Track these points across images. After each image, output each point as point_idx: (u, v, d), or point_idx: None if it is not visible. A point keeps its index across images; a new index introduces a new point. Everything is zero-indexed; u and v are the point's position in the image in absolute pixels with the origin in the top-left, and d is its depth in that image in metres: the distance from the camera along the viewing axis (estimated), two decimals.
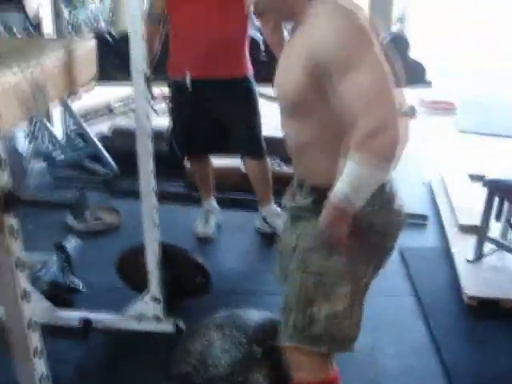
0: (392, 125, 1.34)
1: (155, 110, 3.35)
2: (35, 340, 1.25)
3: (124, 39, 3.88)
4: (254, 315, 2.02)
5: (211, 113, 3.15)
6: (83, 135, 4.39)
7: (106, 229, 3.53)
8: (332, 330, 1.59)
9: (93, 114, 5.72)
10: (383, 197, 1.56)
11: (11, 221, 1.13)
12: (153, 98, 3.31)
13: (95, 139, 4.25)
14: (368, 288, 1.68)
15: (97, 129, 5.22)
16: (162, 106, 3.51)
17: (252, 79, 3.18)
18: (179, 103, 3.20)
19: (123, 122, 5.79)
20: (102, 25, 8.05)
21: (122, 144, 4.36)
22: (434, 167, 4.56)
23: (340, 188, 1.40)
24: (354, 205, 1.42)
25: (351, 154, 1.37)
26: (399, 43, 3.98)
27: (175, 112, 3.27)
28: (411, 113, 6.09)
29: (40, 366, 1.29)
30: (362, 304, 1.67)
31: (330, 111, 1.46)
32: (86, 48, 1.99)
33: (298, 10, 1.51)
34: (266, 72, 2.93)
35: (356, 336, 1.66)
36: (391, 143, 1.35)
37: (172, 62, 3.12)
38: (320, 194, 1.51)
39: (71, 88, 1.87)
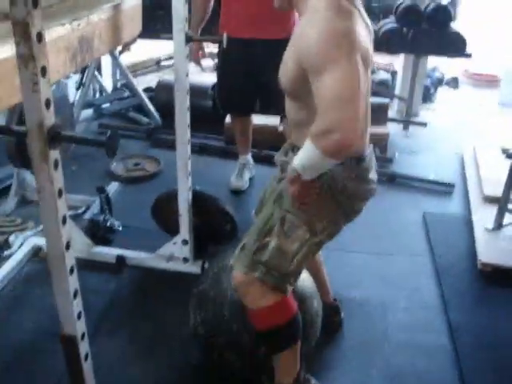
0: (343, 130, 1.49)
1: (201, 67, 3.53)
2: (71, 260, 1.46)
3: None
4: None
5: (257, 73, 3.25)
6: (130, 87, 4.60)
7: (145, 176, 3.75)
8: (272, 262, 1.78)
9: (141, 68, 5.90)
10: (360, 167, 1.78)
11: (55, 154, 1.32)
12: (203, 55, 3.49)
13: (141, 91, 4.44)
14: (320, 247, 1.88)
15: (144, 82, 5.43)
16: (210, 63, 3.65)
17: None
18: (227, 62, 3.32)
19: (169, 76, 5.98)
20: None
21: (165, 97, 4.56)
22: (470, 138, 4.61)
23: (299, 158, 1.63)
24: (306, 174, 1.64)
25: (308, 139, 1.58)
26: (441, 14, 4.00)
27: (222, 70, 3.41)
28: (453, 84, 6.12)
29: (74, 283, 1.50)
30: (310, 256, 1.86)
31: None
32: (132, 4, 2.14)
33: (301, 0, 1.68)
34: None
35: (290, 278, 1.83)
36: (337, 145, 1.51)
37: (222, 21, 3.23)
38: None
39: (117, 42, 2.04)
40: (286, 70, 1.73)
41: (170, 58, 6.20)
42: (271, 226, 1.80)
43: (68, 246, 1.43)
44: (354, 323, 2.53)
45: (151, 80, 5.68)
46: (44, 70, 1.23)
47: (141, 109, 4.63)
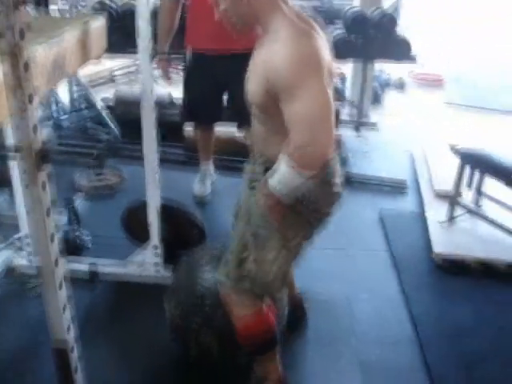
0: (316, 144, 1.64)
1: (170, 80, 3.63)
2: (60, 274, 1.53)
3: (127, 13, 4.12)
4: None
5: (222, 84, 3.36)
6: (88, 101, 4.62)
7: (108, 186, 3.80)
8: (254, 273, 1.90)
9: (95, 79, 5.91)
10: (324, 172, 1.86)
11: (43, 175, 1.40)
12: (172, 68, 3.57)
13: (99, 105, 4.47)
14: (299, 249, 1.97)
15: (98, 96, 5.44)
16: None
17: None
18: (192, 74, 3.41)
19: (124, 89, 6.02)
20: None
21: (123, 110, 4.62)
22: (418, 137, 4.83)
23: (275, 178, 1.73)
24: (283, 196, 1.74)
25: (283, 158, 1.69)
26: (387, 20, 4.19)
27: (188, 82, 3.50)
28: (399, 85, 6.36)
29: (64, 297, 1.57)
30: (288, 262, 1.98)
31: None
32: (99, 24, 2.21)
33: (262, 24, 1.78)
34: None
35: (275, 285, 1.96)
36: (310, 157, 1.65)
37: (188, 36, 3.32)
38: (269, 165, 1.81)
39: (85, 61, 2.11)
40: (253, 91, 1.82)
41: (122, 68, 6.26)
42: (246, 242, 1.91)
43: (57, 263, 1.50)
44: (321, 318, 2.65)
45: (106, 91, 5.71)
46: (31, 97, 1.30)
47: (99, 120, 4.65)
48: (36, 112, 1.34)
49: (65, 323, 1.58)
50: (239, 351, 2.15)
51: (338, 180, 1.97)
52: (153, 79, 2.47)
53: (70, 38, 1.95)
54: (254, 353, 2.11)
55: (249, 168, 2.09)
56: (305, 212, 1.89)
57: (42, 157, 1.36)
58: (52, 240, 1.46)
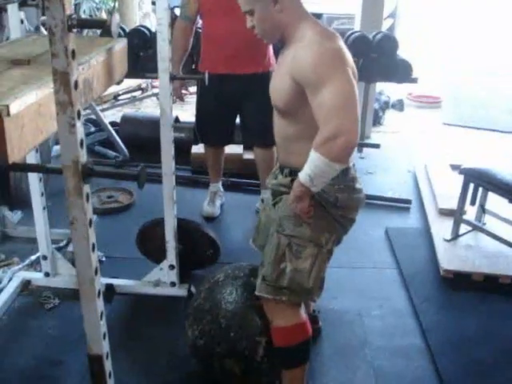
0: (347, 133, 1.71)
1: (183, 101, 3.76)
2: (99, 283, 1.60)
3: (134, 34, 4.23)
4: (252, 264, 2.39)
5: (233, 106, 3.48)
6: (96, 121, 4.71)
7: (120, 207, 3.88)
8: (293, 283, 1.98)
9: (100, 102, 6.01)
10: (346, 178, 1.97)
11: (87, 188, 1.48)
12: (186, 90, 3.70)
13: (108, 125, 4.57)
14: (331, 254, 2.07)
15: (105, 116, 5.54)
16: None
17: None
18: (204, 96, 3.53)
19: (130, 110, 6.14)
20: (104, 16, 8.33)
21: (130, 130, 4.72)
22: (420, 157, 4.94)
23: (305, 171, 1.82)
24: (314, 186, 1.82)
25: (312, 149, 1.77)
26: (388, 43, 4.31)
27: (200, 104, 3.61)
28: (399, 106, 6.49)
29: (101, 305, 1.64)
30: (324, 267, 2.06)
31: (309, 116, 1.84)
32: (121, 46, 2.30)
33: (288, 33, 1.91)
34: None
35: (313, 291, 2.04)
36: (343, 148, 1.73)
37: (202, 59, 3.45)
38: (296, 175, 1.91)
39: (111, 82, 2.20)
40: (280, 90, 1.92)
41: (128, 92, 6.37)
42: (282, 253, 1.98)
43: (97, 271, 1.57)
44: (335, 331, 2.73)
45: (112, 114, 5.82)
46: (79, 114, 1.39)
47: (106, 143, 4.75)
48: (82, 128, 1.43)
49: (101, 330, 1.64)
50: (264, 377, 2.23)
51: (359, 186, 2.05)
52: (171, 99, 2.55)
53: (97, 57, 2.03)
54: (288, 364, 2.15)
55: (273, 182, 2.15)
56: (336, 216, 1.98)
57: (87, 170, 1.44)
58: (93, 249, 1.54)
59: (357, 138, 1.75)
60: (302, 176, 1.83)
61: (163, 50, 2.41)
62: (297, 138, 1.96)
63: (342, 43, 1.87)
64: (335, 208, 1.97)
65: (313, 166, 1.78)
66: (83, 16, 7.93)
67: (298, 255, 1.97)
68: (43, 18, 3.85)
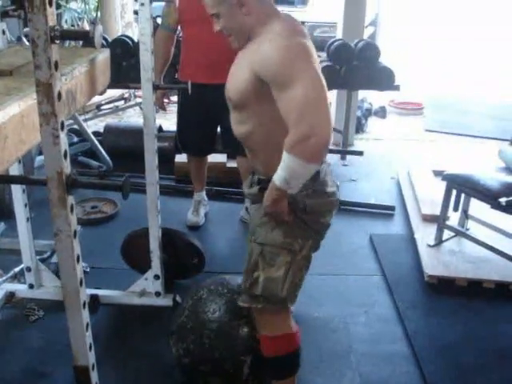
0: (318, 134, 1.64)
1: (165, 111, 3.75)
2: (84, 295, 1.60)
3: (116, 43, 4.23)
4: (237, 278, 2.35)
5: (214, 116, 3.46)
6: (79, 131, 4.69)
7: (104, 218, 3.86)
8: (268, 292, 1.95)
9: (82, 113, 5.98)
10: (315, 183, 1.91)
11: (71, 200, 1.47)
12: (168, 100, 3.67)
13: (91, 135, 4.55)
14: (308, 261, 2.02)
15: (87, 126, 5.52)
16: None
17: None
18: (186, 106, 3.54)
19: (113, 120, 6.12)
20: (86, 26, 8.30)
21: (113, 140, 4.71)
22: (402, 163, 4.98)
23: (280, 174, 1.75)
24: (290, 188, 1.77)
25: (285, 151, 1.70)
26: (370, 50, 4.35)
27: (181, 114, 3.62)
28: (381, 114, 6.55)
29: (87, 316, 1.63)
30: (301, 274, 2.01)
31: (265, 114, 1.83)
32: (104, 57, 2.29)
33: (255, 34, 1.85)
34: None
35: (289, 299, 2.00)
36: (317, 148, 1.67)
37: (182, 68, 3.46)
38: (264, 184, 1.90)
39: (93, 93, 2.19)
40: (236, 82, 1.87)
41: (110, 101, 6.35)
42: (255, 262, 1.96)
43: (82, 283, 1.56)
44: (320, 339, 2.73)
45: (95, 124, 5.80)
46: (63, 125, 1.39)
47: (89, 153, 4.73)
48: (66, 139, 1.42)
49: (87, 341, 1.63)
50: None
51: (331, 189, 1.98)
52: (155, 109, 2.55)
53: (80, 68, 2.02)
54: (275, 374, 2.15)
55: (246, 191, 2.13)
56: (308, 221, 1.94)
57: (71, 181, 1.44)
58: (78, 260, 1.53)
59: (330, 136, 1.68)
60: (278, 179, 1.76)
61: (146, 59, 2.41)
62: (252, 133, 1.91)
63: (309, 41, 1.81)
64: (305, 214, 1.92)
65: (288, 169, 1.71)
66: (65, 26, 7.89)
67: (272, 263, 1.93)
68: (26, 29, 3.84)
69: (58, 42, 1.32)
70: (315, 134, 1.64)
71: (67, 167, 1.43)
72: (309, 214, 1.93)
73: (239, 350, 2.18)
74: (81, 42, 4.69)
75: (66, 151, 1.41)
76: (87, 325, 1.63)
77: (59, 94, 1.36)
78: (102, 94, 2.49)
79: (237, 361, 2.17)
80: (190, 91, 2.56)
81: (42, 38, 1.28)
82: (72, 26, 8.11)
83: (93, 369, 1.69)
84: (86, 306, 1.62)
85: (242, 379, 2.19)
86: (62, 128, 1.39)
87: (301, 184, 1.79)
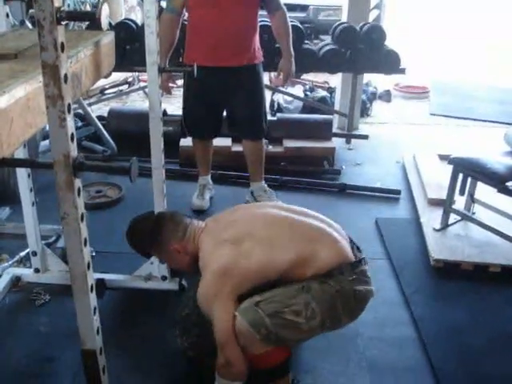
0: (235, 365, 1.98)
1: (171, 94, 3.74)
2: (91, 278, 1.59)
3: (120, 27, 4.20)
4: None
5: (220, 99, 3.47)
6: (83, 116, 4.68)
7: (109, 202, 3.86)
8: (276, 330, 1.94)
9: (85, 97, 5.97)
10: (356, 270, 2.16)
11: (78, 183, 1.46)
12: (173, 83, 3.67)
13: (96, 119, 4.53)
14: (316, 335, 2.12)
15: (91, 111, 5.50)
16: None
17: (260, 67, 3.50)
18: (191, 89, 3.52)
19: (117, 104, 6.10)
20: (89, 9, 8.24)
21: (117, 124, 4.69)
22: (408, 147, 4.96)
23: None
24: None
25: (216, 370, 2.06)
26: (376, 34, 4.32)
27: (187, 97, 3.60)
28: (386, 97, 6.51)
29: (94, 300, 1.63)
30: (307, 339, 2.16)
31: None
32: (109, 39, 2.28)
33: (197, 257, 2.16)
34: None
35: (286, 345, 2.08)
36: (237, 373, 2.01)
37: (187, 51, 3.44)
38: None
39: (99, 76, 2.18)
40: None
41: (114, 86, 6.32)
42: (294, 304, 1.98)
43: (89, 266, 1.56)
44: None
45: (98, 108, 5.78)
46: (69, 107, 1.38)
47: (93, 138, 4.72)
48: (73, 122, 1.41)
49: (95, 325, 1.63)
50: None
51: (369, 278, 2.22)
52: (160, 93, 2.54)
53: (85, 51, 2.01)
54: (268, 381, 2.15)
55: None
56: (352, 305, 2.12)
57: (78, 164, 1.43)
58: (85, 244, 1.53)
59: (245, 366, 1.99)
60: None
61: (151, 42, 2.39)
62: None
63: (234, 249, 2.03)
64: (353, 299, 2.09)
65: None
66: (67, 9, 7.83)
67: (306, 317, 1.98)
68: (32, 11, 3.81)
69: (63, 23, 1.30)
70: (232, 365, 1.98)
71: (74, 150, 1.42)
72: (356, 300, 2.11)
73: None
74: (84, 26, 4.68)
75: (72, 134, 1.40)
76: (95, 308, 1.64)
77: (65, 76, 1.35)
78: (107, 77, 2.47)
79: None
80: (195, 74, 2.53)
81: (47, 20, 1.26)
82: (75, 9, 8.04)
83: (100, 353, 1.70)
84: (94, 289, 1.62)
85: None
86: (69, 111, 1.38)
87: None
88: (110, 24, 4.27)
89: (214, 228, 2.19)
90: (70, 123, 1.39)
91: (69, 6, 8.16)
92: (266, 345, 1.97)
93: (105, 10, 1.33)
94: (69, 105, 1.37)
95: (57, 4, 1.25)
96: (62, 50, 1.32)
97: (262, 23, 3.78)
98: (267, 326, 1.93)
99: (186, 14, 3.48)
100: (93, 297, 1.61)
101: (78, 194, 1.47)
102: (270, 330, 1.93)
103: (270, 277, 2.02)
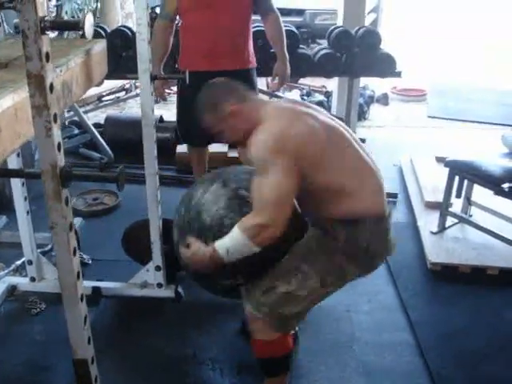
0: (276, 226, 1.80)
1: (165, 100, 3.70)
2: (81, 288, 1.59)
3: (115, 34, 4.20)
4: (243, 169, 2.36)
5: None
6: (79, 123, 4.67)
7: (105, 210, 3.85)
8: (277, 305, 1.96)
9: (83, 104, 5.97)
10: (380, 227, 2.03)
11: (66, 192, 1.46)
12: (169, 89, 3.63)
13: (92, 127, 4.53)
14: (328, 295, 2.09)
15: (88, 118, 5.50)
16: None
17: (254, 72, 3.49)
18: (185, 95, 3.48)
19: (114, 111, 6.10)
20: None
21: (114, 131, 4.69)
22: (405, 150, 4.94)
23: (225, 245, 1.87)
24: (227, 259, 1.87)
25: (239, 229, 1.84)
26: (371, 37, 4.31)
27: (180, 103, 3.57)
28: (384, 101, 6.51)
29: (85, 310, 1.62)
30: (314, 304, 2.07)
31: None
32: (101, 48, 2.27)
33: (251, 127, 1.96)
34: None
35: (292, 321, 2.05)
36: (268, 237, 1.82)
37: (181, 57, 3.42)
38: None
39: (90, 85, 2.17)
40: None
41: (111, 93, 6.32)
42: (283, 273, 1.97)
43: (79, 276, 1.55)
44: (324, 329, 2.72)
45: (95, 116, 5.78)
46: (55, 117, 1.37)
47: (90, 145, 4.71)
48: (59, 131, 1.40)
49: (85, 334, 1.63)
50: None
51: (392, 235, 2.11)
52: (153, 100, 2.53)
53: (76, 60, 2.00)
54: (267, 373, 2.17)
55: None
56: (365, 260, 2.02)
57: (66, 174, 1.42)
58: (74, 254, 1.52)
59: (282, 229, 1.82)
60: (221, 248, 1.87)
61: (143, 50, 2.38)
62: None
63: (296, 124, 1.89)
64: (364, 254, 1.99)
65: (235, 244, 1.85)
66: (65, 17, 7.84)
67: (300, 282, 1.95)
68: (16, 20, 3.81)
69: (48, 32, 1.30)
70: (273, 226, 1.81)
71: (61, 160, 1.41)
72: (368, 255, 2.00)
73: None
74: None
75: (59, 144, 1.39)
76: (85, 318, 1.62)
77: (51, 86, 1.34)
78: (98, 85, 2.47)
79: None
80: (187, 80, 2.53)
81: (32, 29, 1.25)
82: (72, 17, 8.05)
83: (92, 362, 1.69)
84: (84, 299, 1.61)
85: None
86: (55, 120, 1.37)
87: (236, 259, 1.88)
88: (105, 31, 4.27)
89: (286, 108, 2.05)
90: (57, 133, 1.38)
91: (66, 13, 8.19)
92: (279, 327, 2.00)
93: (89, 20, 1.33)
94: (55, 114, 1.36)
95: (41, 14, 1.25)
96: (47, 59, 1.31)
97: (256, 28, 3.79)
98: (264, 303, 1.96)
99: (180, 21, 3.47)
100: (83, 306, 1.60)
101: (66, 204, 1.46)
102: (272, 308, 1.95)
103: (319, 175, 1.89)
